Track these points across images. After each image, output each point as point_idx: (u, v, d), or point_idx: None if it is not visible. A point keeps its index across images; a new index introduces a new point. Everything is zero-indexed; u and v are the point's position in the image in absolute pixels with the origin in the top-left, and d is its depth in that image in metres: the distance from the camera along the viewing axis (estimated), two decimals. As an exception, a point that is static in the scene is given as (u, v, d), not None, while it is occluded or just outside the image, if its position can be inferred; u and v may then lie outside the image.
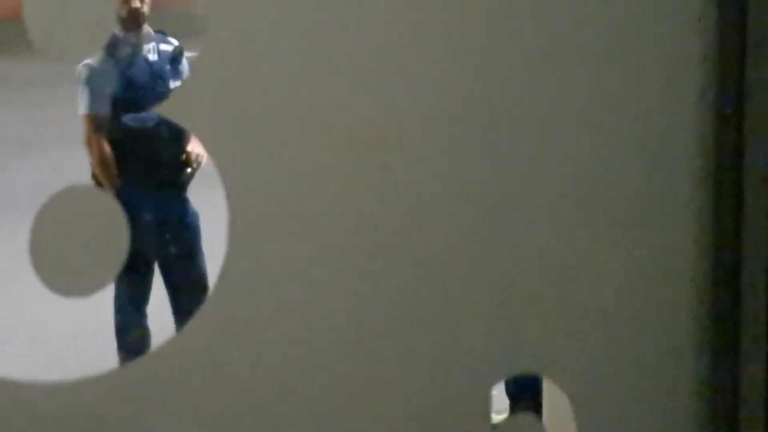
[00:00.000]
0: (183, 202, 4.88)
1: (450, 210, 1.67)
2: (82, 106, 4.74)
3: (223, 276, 1.57)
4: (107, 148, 4.75)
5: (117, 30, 4.69)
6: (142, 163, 4.73)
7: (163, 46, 4.85)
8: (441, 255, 1.67)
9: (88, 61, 4.70)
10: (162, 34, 4.90)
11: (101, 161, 4.73)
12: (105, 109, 4.72)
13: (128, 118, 4.68)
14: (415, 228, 1.66)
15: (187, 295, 4.78)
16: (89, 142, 4.77)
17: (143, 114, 4.66)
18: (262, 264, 1.59)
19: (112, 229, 1.51)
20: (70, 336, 5.48)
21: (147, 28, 4.83)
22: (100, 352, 4.82)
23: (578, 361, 1.75)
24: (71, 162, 5.28)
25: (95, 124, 4.74)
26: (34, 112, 10.43)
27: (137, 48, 4.76)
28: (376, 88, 1.61)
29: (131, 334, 4.77)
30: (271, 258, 1.60)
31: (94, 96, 4.71)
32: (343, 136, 1.61)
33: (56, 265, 1.49)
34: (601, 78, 1.70)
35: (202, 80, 1.55)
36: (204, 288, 4.77)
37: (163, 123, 4.60)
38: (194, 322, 1.56)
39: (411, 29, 1.61)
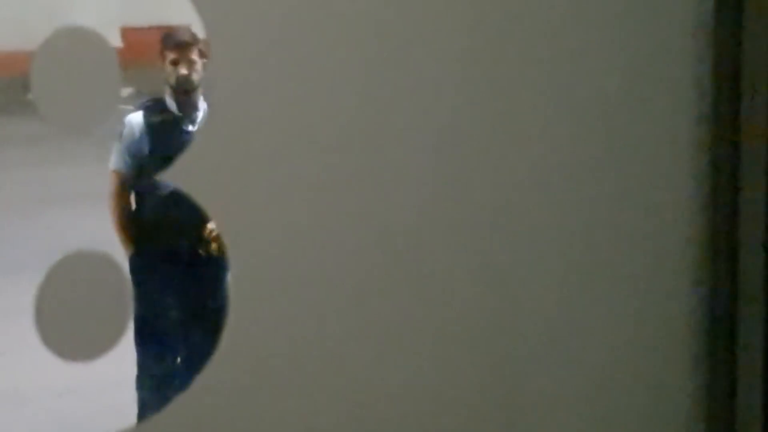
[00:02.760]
0: (208, 279, 4.77)
1: (448, 277, 1.69)
2: (111, 161, 4.76)
3: (225, 337, 1.59)
4: (127, 207, 4.75)
5: (168, 95, 4.70)
6: (161, 229, 4.70)
7: None
8: (436, 326, 1.68)
9: (129, 117, 4.71)
10: None
11: (118, 219, 4.74)
12: (131, 169, 4.72)
13: (143, 185, 4.68)
14: (412, 294, 1.67)
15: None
16: (111, 198, 4.78)
17: (159, 183, 4.65)
18: (264, 328, 1.61)
19: (116, 294, 1.53)
20: (69, 395, 5.47)
21: (199, 98, 4.75)
22: (98, 411, 4.80)
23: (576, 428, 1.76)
24: (82, 221, 5.29)
25: (120, 182, 4.74)
26: (41, 171, 10.45)
27: (179, 116, 4.70)
28: (380, 154, 1.64)
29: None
30: (273, 322, 1.61)
31: (123, 154, 4.71)
32: (348, 201, 1.63)
33: (60, 330, 1.51)
34: (599, 88, 1.72)
35: (205, 147, 1.57)
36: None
37: (177, 194, 4.58)
38: (194, 390, 1.57)
39: (414, 77, 1.64)
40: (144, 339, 4.57)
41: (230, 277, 1.62)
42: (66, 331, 1.52)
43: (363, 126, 1.63)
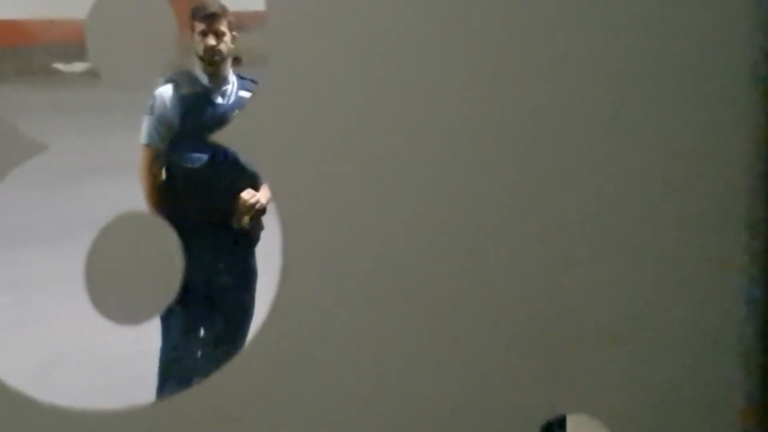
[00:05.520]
0: (235, 253, 4.80)
1: (486, 255, 1.65)
2: (142, 135, 4.77)
3: (275, 306, 1.57)
4: (158, 181, 4.76)
5: (198, 67, 4.71)
6: (191, 202, 4.70)
7: (243, 93, 4.77)
8: (478, 301, 1.65)
9: (159, 90, 4.72)
10: (251, 81, 4.75)
11: (150, 193, 4.76)
12: (163, 143, 4.73)
13: (177, 157, 4.69)
14: (455, 268, 1.64)
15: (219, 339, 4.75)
16: (142, 172, 4.79)
17: (193, 154, 4.67)
18: (315, 295, 1.59)
19: (167, 255, 1.51)
20: (122, 361, 5.52)
21: (228, 71, 4.75)
22: (150, 377, 4.83)
23: (622, 400, 1.73)
24: (124, 190, 5.33)
25: (152, 156, 4.76)
26: (89, 139, 10.53)
27: (208, 88, 4.72)
28: (435, 119, 1.61)
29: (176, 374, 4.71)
30: (324, 290, 1.59)
31: (155, 127, 4.72)
32: (401, 166, 1.60)
33: (110, 292, 1.49)
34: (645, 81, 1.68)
35: (259, 110, 1.55)
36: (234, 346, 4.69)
37: (213, 166, 4.62)
38: (243, 355, 1.55)
39: (456, 62, 1.61)
40: (169, 311, 4.59)
41: (281, 244, 1.59)
42: (116, 293, 1.50)
43: (420, 94, 1.60)
